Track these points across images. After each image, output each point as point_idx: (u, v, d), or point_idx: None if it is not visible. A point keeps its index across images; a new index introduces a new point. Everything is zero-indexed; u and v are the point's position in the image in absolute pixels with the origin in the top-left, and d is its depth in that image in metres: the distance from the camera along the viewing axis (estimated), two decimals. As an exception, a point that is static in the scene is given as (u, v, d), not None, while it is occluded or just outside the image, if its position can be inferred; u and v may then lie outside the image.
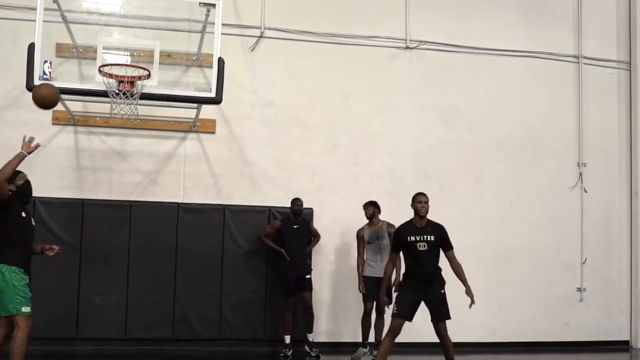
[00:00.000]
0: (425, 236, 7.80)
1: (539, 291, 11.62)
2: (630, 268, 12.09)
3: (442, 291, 7.91)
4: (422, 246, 7.80)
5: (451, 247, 7.95)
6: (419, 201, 7.90)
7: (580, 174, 12.01)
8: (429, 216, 7.96)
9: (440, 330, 7.92)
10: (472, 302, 7.83)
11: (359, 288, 9.85)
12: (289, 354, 10.03)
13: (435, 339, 11.10)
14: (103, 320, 10.02)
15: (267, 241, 10.25)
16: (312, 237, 10.41)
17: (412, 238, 7.80)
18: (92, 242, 10.07)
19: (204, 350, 10.26)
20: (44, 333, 9.68)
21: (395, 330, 7.85)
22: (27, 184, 7.24)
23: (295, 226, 10.14)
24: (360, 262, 9.92)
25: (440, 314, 7.87)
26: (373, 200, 10.08)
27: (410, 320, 7.91)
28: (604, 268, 12.03)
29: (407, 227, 7.93)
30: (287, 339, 10.10)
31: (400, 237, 7.93)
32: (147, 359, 9.88)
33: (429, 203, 7.94)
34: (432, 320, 7.92)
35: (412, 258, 7.90)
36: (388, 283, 8.77)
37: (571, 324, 11.75)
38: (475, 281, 11.25)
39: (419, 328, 10.99)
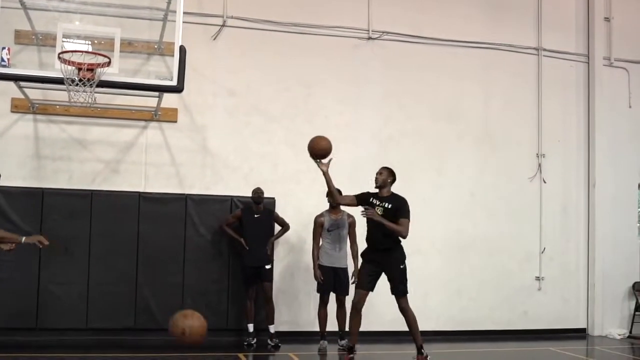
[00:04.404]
0: (384, 202, 8.53)
1: (498, 280, 11.81)
2: (587, 257, 12.33)
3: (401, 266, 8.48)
4: (379, 210, 8.42)
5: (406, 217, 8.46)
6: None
7: (540, 165, 12.19)
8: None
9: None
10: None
11: (314, 277, 9.80)
12: (252, 342, 10.04)
13: (396, 327, 11.29)
14: (63, 310, 9.94)
15: (228, 230, 10.25)
16: (281, 226, 10.42)
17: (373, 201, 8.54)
18: (52, 232, 9.91)
19: (165, 339, 10.10)
20: (4, 323, 9.65)
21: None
22: None
23: (256, 215, 10.12)
24: (316, 250, 9.84)
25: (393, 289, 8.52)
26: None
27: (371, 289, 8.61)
28: (561, 257, 12.26)
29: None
30: (251, 327, 10.13)
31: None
32: (108, 348, 9.78)
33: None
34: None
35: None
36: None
37: (530, 312, 11.96)
38: (436, 270, 11.56)
39: (380, 316, 11.12)
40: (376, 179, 8.56)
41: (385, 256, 8.41)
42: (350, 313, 8.67)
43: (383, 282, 8.42)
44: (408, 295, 8.48)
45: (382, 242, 8.40)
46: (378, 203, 8.42)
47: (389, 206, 8.36)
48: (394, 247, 8.44)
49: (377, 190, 8.57)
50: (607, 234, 12.31)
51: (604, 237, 12.27)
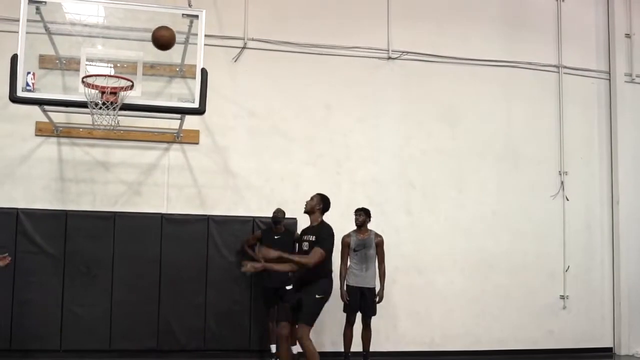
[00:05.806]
0: (308, 236, 8.03)
1: (522, 299, 11.69)
2: (612, 275, 12.18)
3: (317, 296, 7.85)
4: (305, 245, 8.00)
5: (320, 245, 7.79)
6: None
7: (562, 183, 12.10)
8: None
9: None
10: None
11: (341, 297, 9.75)
12: (274, 363, 10.03)
13: (420, 348, 11.21)
14: (87, 332, 9.97)
15: (249, 250, 10.26)
16: None
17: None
18: (75, 254, 10.04)
19: (188, 361, 10.24)
20: (28, 345, 9.69)
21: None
22: None
23: (276, 236, 10.11)
24: (344, 270, 9.79)
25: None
26: (365, 207, 10.07)
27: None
28: (586, 275, 12.11)
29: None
30: (273, 348, 10.07)
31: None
32: (132, 370, 9.87)
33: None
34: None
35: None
36: None
37: (555, 331, 11.81)
38: (458, 289, 11.48)
39: (404, 336, 11.05)
40: (305, 204, 8.19)
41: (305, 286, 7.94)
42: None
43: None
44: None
45: (304, 275, 7.94)
46: (304, 238, 8.04)
47: (312, 238, 7.87)
48: (313, 280, 7.86)
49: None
50: (632, 251, 12.17)
51: (629, 254, 12.13)
